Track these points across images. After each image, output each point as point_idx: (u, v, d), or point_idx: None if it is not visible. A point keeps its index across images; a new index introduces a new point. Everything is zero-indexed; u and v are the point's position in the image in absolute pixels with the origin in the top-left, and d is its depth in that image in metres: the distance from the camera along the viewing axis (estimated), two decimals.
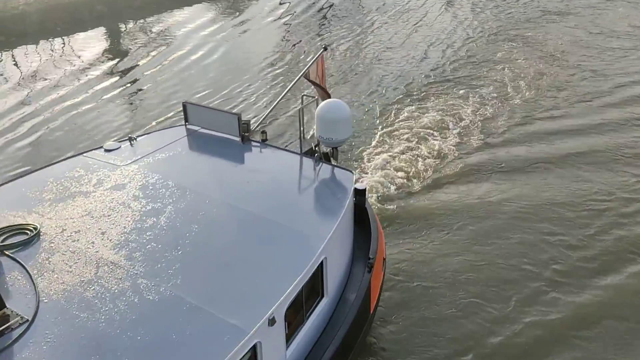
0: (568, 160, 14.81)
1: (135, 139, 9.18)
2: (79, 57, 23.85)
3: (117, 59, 23.52)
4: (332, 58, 22.30)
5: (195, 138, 9.39)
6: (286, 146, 10.64)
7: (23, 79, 21.36)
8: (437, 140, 15.65)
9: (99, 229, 6.85)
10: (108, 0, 30.12)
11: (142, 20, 29.22)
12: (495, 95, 18.50)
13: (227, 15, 30.11)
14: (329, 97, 9.60)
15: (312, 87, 10.00)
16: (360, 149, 15.18)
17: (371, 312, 8.25)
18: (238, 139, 9.13)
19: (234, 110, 17.62)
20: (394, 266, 10.90)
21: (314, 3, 31.13)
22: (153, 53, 24.12)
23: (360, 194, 8.63)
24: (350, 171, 8.50)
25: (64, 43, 25.90)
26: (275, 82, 20.09)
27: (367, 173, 14.03)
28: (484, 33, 24.74)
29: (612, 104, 17.74)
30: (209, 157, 8.96)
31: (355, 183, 8.44)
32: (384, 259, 9.00)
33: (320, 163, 8.63)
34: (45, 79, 21.20)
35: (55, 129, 17.14)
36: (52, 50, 24.84)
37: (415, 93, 18.84)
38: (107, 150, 8.83)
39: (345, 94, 18.65)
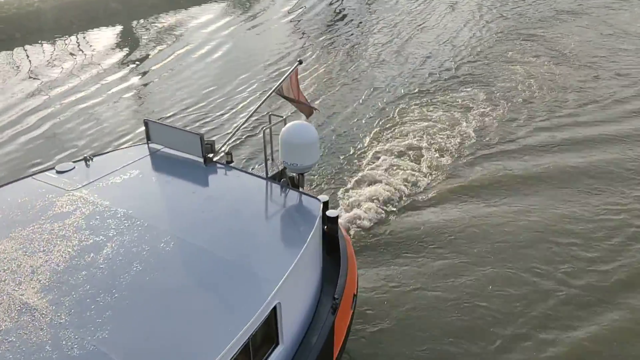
0: (569, 176, 13.95)
1: (92, 158, 8.48)
2: (93, 53, 24.13)
3: (129, 56, 23.80)
4: (336, 57, 22.40)
5: (156, 159, 8.69)
6: (253, 168, 9.88)
7: (37, 74, 21.63)
8: (434, 152, 14.96)
9: (31, 266, 6.13)
10: None
11: (155, 18, 29.46)
12: (502, 97, 18.34)
13: (238, 13, 30.29)
14: (311, 110, 9.19)
15: (292, 104, 9.36)
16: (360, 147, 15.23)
17: (334, 359, 7.41)
18: (201, 160, 8.47)
19: (237, 106, 18.50)
20: (372, 298, 10.05)
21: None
22: (164, 50, 24.34)
23: (332, 221, 8.03)
24: (318, 199, 7.67)
25: (78, 40, 26.23)
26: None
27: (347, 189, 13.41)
28: (493, 32, 24.67)
29: (627, 110, 17.23)
30: (167, 180, 8.16)
31: (327, 209, 7.91)
32: (355, 295, 8.19)
33: (287, 189, 7.89)
34: (59, 75, 21.46)
35: (67, 121, 17.36)
36: (67, 47, 25.16)
37: (427, 90, 18.82)
38: (58, 172, 8.07)
39: (350, 92, 18.75)
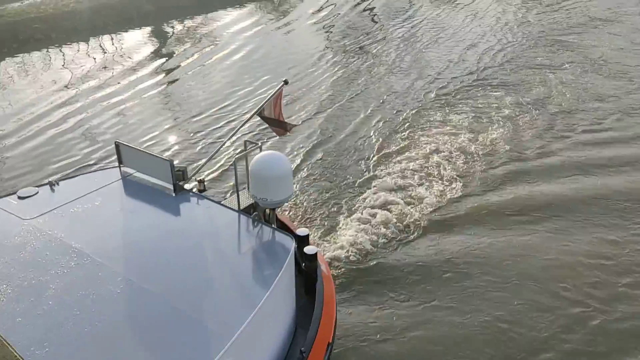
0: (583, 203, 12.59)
1: (57, 183, 7.91)
2: (125, 53, 24.66)
3: (161, 56, 24.24)
4: (358, 60, 22.52)
5: (125, 185, 8.10)
6: (232, 195, 9.02)
7: (71, 73, 22.17)
8: (446, 168, 13.99)
9: None
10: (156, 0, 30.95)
11: (187, 20, 29.95)
12: (525, 107, 17.94)
13: (266, 15, 30.61)
14: (287, 132, 8.75)
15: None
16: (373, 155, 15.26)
17: None
18: (171, 188, 7.86)
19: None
20: (358, 347, 8.97)
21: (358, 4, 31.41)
22: (195, 51, 24.74)
23: (310, 259, 7.33)
24: (291, 237, 6.85)
25: (112, 40, 26.83)
26: (310, 81, 20.33)
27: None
28: (524, 37, 24.53)
29: None
30: (132, 210, 7.56)
31: (307, 244, 7.41)
32: (330, 344, 7.19)
33: (260, 225, 7.16)
34: (92, 74, 21.96)
35: (96, 118, 17.76)
36: (100, 47, 25.75)
37: (447, 96, 18.79)
38: (20, 198, 7.49)
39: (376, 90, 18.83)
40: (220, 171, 14.17)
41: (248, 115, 9.32)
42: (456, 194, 13.00)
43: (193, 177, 8.25)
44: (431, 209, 12.37)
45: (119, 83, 21.10)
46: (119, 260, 6.32)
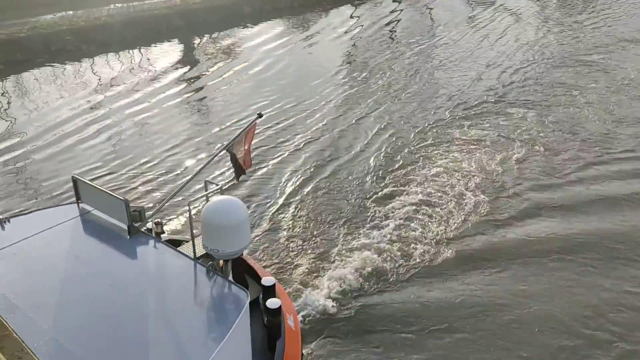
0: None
1: (8, 220, 7.38)
2: (153, 66, 25.23)
3: (188, 69, 24.73)
4: (384, 77, 22.62)
5: (80, 223, 7.55)
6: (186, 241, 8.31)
7: (100, 84, 22.74)
8: (451, 203, 13.02)
9: None
10: (185, 15, 31.62)
11: (215, 34, 30.52)
12: (546, 129, 17.75)
13: (296, 31, 31.00)
14: (244, 170, 8.10)
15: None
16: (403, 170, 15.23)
17: None
18: (126, 229, 7.28)
19: (315, 117, 18.48)
20: None
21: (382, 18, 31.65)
22: (220, 65, 25.19)
23: (272, 314, 6.77)
24: (245, 290, 6.23)
25: (141, 53, 27.46)
26: (329, 100, 20.51)
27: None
28: (547, 57, 24.39)
29: None
30: (80, 254, 6.90)
31: (272, 295, 6.91)
32: None
33: (214, 276, 6.49)
34: (121, 84, 22.48)
35: (123, 130, 18.15)
36: (130, 59, 26.38)
37: (470, 114, 18.72)
38: None
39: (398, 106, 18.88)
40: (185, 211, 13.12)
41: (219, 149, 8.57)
42: (465, 228, 12.10)
43: (150, 219, 7.68)
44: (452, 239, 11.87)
45: (143, 93, 21.56)
46: (50, 316, 5.70)
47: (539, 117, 18.13)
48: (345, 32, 30.58)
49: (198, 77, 23.68)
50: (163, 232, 7.89)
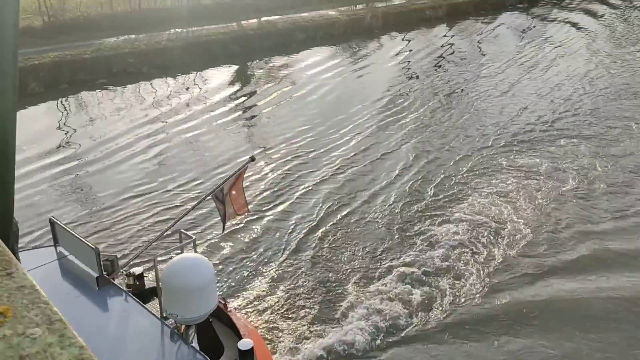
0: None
1: None
2: (208, 89, 26.08)
3: (240, 93, 25.45)
4: (430, 104, 22.68)
5: (54, 269, 7.23)
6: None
7: (158, 105, 23.65)
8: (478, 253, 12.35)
9: None
10: (242, 40, 32.53)
11: (269, 60, 31.26)
12: (593, 168, 17.54)
13: (346, 57, 31.45)
14: (225, 221, 7.63)
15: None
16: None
17: None
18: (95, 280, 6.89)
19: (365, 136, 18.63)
20: None
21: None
22: (272, 88, 25.83)
23: (245, 355, 6.07)
24: None
25: (197, 77, 28.40)
26: (381, 121, 20.71)
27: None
28: (601, 87, 23.93)
29: None
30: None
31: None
32: None
33: (179, 340, 6.03)
34: (176, 106, 23.33)
35: (176, 148, 18.84)
36: (186, 82, 27.33)
37: (515, 147, 18.53)
38: None
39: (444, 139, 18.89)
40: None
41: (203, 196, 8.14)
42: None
43: (122, 270, 7.35)
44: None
45: (199, 115, 22.30)
46: None
47: (595, 151, 17.48)
48: (395, 56, 30.85)
49: (251, 102, 24.41)
50: (134, 284, 7.36)
